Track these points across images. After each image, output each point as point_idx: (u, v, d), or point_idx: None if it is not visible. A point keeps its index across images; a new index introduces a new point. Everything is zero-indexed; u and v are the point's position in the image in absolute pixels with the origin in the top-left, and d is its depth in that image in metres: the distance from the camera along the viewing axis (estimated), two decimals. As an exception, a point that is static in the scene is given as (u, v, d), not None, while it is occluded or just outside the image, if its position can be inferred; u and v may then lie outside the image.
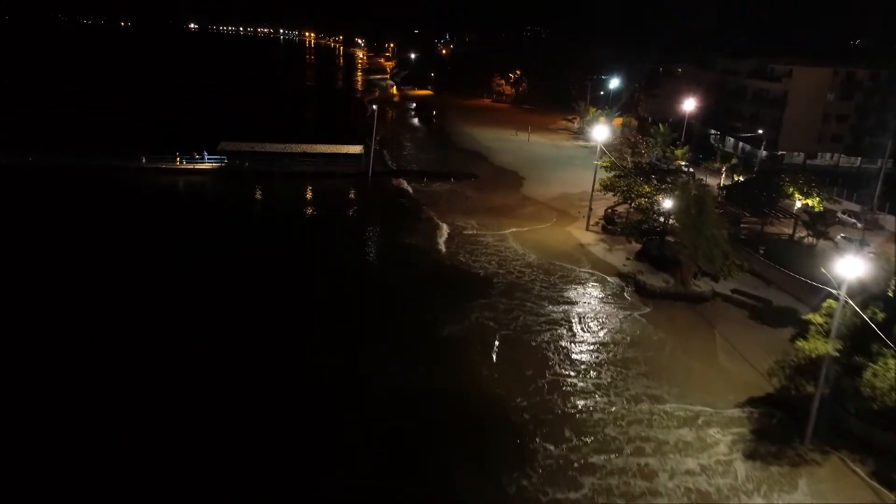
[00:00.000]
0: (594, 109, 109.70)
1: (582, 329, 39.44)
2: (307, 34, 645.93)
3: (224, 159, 74.48)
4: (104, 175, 69.91)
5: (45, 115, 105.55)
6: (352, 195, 71.22)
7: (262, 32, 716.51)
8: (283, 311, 40.56)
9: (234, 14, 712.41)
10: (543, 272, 47.85)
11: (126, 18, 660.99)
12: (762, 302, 42.15)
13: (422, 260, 50.13)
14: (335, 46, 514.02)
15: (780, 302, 41.87)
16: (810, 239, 52.89)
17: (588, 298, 44.18)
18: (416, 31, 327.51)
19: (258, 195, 69.28)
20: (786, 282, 43.85)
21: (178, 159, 73.33)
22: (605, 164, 58.61)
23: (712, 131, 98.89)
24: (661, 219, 51.03)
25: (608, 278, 47.32)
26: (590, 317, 41.20)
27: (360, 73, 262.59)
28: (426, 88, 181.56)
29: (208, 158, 74.20)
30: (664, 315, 41.55)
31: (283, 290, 43.70)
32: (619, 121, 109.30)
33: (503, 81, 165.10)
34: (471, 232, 56.71)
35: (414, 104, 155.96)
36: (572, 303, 43.20)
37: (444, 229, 57.37)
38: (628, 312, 41.91)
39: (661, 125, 78.87)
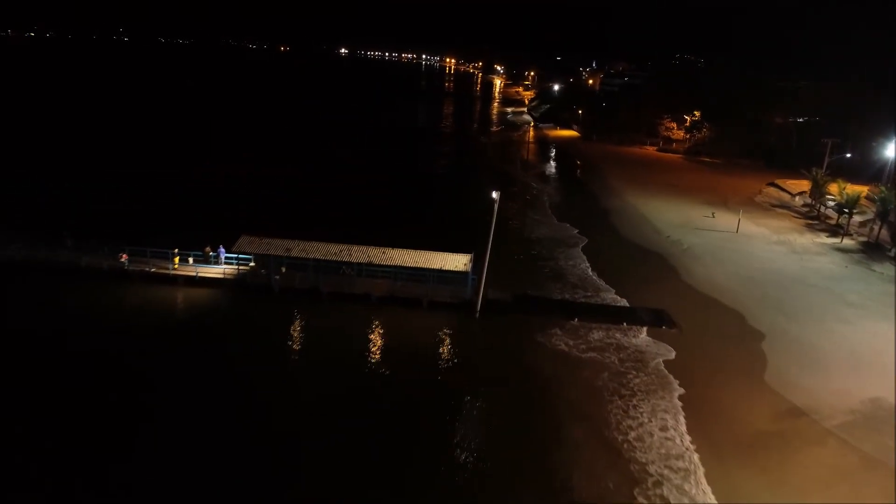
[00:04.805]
0: (843, 183, 70.48)
1: None
2: (448, 60, 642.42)
3: (249, 261, 46.37)
4: (66, 278, 44.46)
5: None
6: (444, 358, 37.87)
7: (405, 58, 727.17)
8: None
9: (381, 40, 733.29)
10: None
11: (286, 45, 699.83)
12: None
13: None
14: (474, 73, 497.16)
15: None
16: None
17: None
18: (559, 58, 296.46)
19: (289, 340, 39.39)
20: None
21: (176, 258, 46.11)
22: None
23: None
24: None
25: None
26: None
27: (496, 104, 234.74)
28: (570, 128, 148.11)
29: (225, 259, 46.33)
30: None
31: None
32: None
33: (675, 125, 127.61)
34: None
35: (553, 151, 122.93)
36: None
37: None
38: None
39: None
